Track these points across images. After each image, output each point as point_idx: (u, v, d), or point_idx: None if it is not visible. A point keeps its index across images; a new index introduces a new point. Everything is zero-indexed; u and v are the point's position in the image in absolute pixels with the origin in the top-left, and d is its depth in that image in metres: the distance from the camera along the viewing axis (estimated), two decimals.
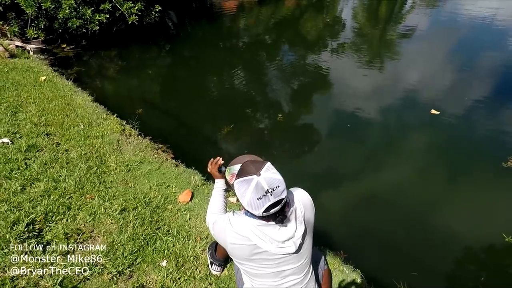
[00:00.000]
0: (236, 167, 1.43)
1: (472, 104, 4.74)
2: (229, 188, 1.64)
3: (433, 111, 4.37)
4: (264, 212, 1.17)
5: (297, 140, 4.05)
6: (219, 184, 1.66)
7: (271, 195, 1.15)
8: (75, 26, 4.90)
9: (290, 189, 1.41)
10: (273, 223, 1.26)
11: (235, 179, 1.24)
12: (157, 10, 5.85)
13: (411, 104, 4.78)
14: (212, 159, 1.66)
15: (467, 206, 3.05)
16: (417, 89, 5.17)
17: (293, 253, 1.32)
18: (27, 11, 4.56)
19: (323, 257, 1.78)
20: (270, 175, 1.18)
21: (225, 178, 1.62)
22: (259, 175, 1.17)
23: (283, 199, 1.18)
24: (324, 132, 4.22)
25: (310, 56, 6.64)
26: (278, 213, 1.22)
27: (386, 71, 5.97)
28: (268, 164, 1.23)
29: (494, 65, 6.12)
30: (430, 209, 2.98)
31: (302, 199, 1.37)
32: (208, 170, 1.67)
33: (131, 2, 5.15)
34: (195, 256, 2.04)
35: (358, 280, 2.11)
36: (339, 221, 2.86)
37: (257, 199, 1.15)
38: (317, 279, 1.65)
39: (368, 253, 2.57)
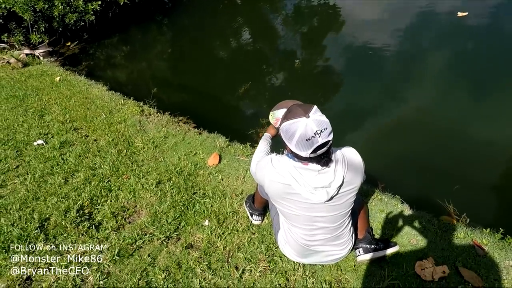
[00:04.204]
0: (280, 112, 1.53)
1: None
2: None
3: (460, 14, 3.94)
4: (311, 153, 1.21)
5: (320, 81, 3.90)
6: (267, 135, 1.78)
7: (319, 136, 1.18)
8: (72, 21, 4.88)
9: (343, 147, 1.42)
10: (312, 167, 1.29)
11: (283, 122, 1.27)
12: None
13: (435, 11, 4.33)
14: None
15: (502, 116, 2.82)
16: None
17: (324, 202, 1.33)
18: (25, 17, 4.59)
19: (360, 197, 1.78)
20: (318, 117, 1.21)
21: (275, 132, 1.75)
22: (308, 117, 1.19)
23: (329, 140, 1.21)
24: (347, 65, 4.00)
25: None
26: (324, 155, 1.25)
27: None
28: (315, 107, 1.25)
29: None
30: (463, 124, 2.81)
31: (349, 157, 1.38)
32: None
33: None
34: (233, 212, 2.12)
35: (399, 206, 2.09)
36: (372, 152, 2.78)
37: (306, 140, 1.18)
38: (355, 225, 1.69)
39: (406, 179, 2.52)
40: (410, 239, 1.88)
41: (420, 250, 1.82)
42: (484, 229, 1.94)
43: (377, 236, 1.90)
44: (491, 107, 2.91)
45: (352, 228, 1.64)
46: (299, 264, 1.75)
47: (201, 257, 1.84)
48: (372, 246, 1.71)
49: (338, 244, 1.58)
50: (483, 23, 3.83)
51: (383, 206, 2.09)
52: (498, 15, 3.92)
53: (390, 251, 1.73)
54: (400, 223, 1.97)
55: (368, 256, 1.70)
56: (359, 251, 1.72)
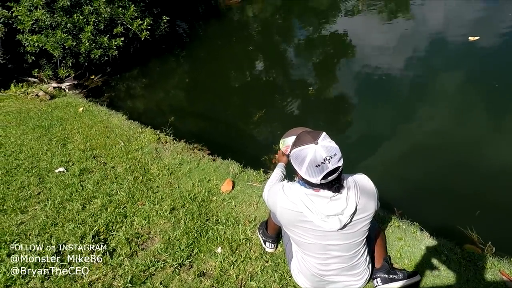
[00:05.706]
0: (290, 139, 1.55)
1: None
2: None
3: (471, 38, 4.00)
4: (322, 179, 1.21)
5: (334, 107, 3.94)
6: (281, 164, 1.81)
7: (329, 162, 1.18)
8: (97, 56, 5.24)
9: (355, 174, 1.43)
10: (324, 194, 1.29)
11: (292, 149, 1.29)
12: (165, 20, 6.02)
13: (446, 37, 4.41)
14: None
15: None
16: (448, 21, 4.72)
17: (338, 230, 1.32)
18: (55, 54, 4.97)
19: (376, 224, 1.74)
20: (327, 143, 1.22)
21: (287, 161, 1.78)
22: (317, 143, 1.21)
23: (340, 166, 1.21)
24: (361, 91, 4.05)
25: (325, 25, 6.40)
26: (335, 181, 1.25)
27: (412, 17, 5.54)
28: (324, 133, 1.27)
29: None
30: (480, 147, 2.74)
31: (361, 184, 1.38)
32: (276, 159, 1.88)
33: (139, 20, 5.36)
34: (247, 239, 2.09)
35: (418, 233, 2.01)
36: (388, 178, 2.74)
37: (316, 166, 1.19)
38: (371, 254, 1.65)
39: (424, 205, 2.44)
40: (431, 269, 1.78)
41: (443, 281, 1.72)
42: None
43: (395, 266, 1.81)
44: (508, 130, 2.84)
45: (368, 257, 1.59)
46: None
47: (213, 286, 1.81)
48: (391, 276, 1.64)
49: (354, 274, 1.52)
50: (495, 47, 3.85)
51: (401, 233, 2.02)
52: (510, 38, 3.93)
53: (410, 281, 1.64)
54: (420, 251, 1.88)
55: (387, 286, 1.62)
56: (377, 281, 1.65)
